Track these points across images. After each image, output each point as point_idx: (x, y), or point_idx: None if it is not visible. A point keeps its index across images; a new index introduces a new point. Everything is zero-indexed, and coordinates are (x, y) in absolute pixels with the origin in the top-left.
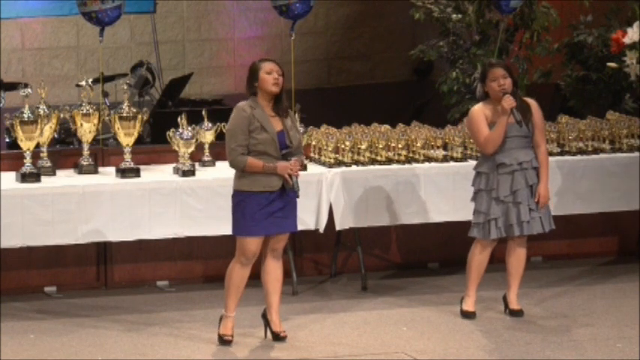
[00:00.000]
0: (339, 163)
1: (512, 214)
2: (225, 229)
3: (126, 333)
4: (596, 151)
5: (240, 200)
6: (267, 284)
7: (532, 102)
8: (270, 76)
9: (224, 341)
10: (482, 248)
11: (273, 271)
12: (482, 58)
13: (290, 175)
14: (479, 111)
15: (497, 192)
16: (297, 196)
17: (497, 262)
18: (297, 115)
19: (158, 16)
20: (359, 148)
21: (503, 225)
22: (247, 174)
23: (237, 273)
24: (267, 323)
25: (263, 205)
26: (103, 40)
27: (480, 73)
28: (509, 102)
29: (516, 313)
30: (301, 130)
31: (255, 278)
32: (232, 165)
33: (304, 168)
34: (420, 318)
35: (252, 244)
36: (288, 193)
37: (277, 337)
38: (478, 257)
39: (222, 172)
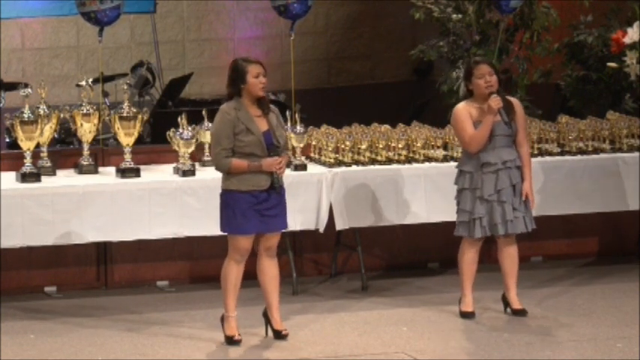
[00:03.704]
0: (339, 163)
1: (496, 213)
2: None
3: (126, 333)
4: (596, 151)
5: (229, 199)
6: (264, 284)
7: (515, 101)
8: (258, 80)
9: (234, 341)
10: (470, 246)
11: (269, 270)
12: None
13: (272, 172)
14: (463, 109)
15: (481, 191)
16: (280, 192)
17: (494, 262)
18: (297, 115)
19: (158, 16)
20: (359, 148)
21: (487, 224)
22: (234, 174)
23: (233, 271)
24: (267, 321)
25: (252, 203)
26: (102, 40)
27: (464, 71)
28: (496, 102)
29: (520, 313)
30: (301, 130)
31: (254, 278)
32: (217, 168)
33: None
34: (420, 318)
35: (244, 241)
36: (277, 192)
37: (279, 335)
38: (467, 256)
39: None
